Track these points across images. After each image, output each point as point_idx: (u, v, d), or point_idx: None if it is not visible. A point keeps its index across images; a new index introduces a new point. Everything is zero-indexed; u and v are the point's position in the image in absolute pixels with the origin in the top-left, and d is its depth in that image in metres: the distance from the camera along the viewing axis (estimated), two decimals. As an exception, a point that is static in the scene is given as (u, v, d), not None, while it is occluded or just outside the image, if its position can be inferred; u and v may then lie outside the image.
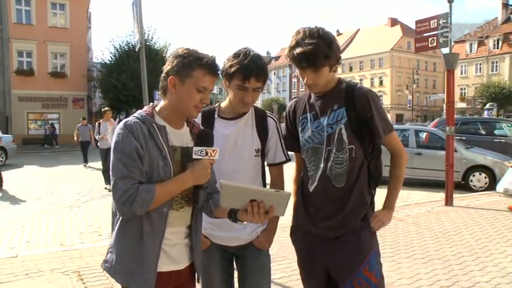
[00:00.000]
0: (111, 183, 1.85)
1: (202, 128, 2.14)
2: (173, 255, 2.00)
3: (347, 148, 2.29)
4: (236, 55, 2.33)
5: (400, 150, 2.42)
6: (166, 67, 1.98)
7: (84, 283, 4.54)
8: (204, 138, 1.98)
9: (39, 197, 10.63)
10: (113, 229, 2.00)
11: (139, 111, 1.99)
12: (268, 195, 1.87)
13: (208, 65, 1.94)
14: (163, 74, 1.99)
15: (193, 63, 1.93)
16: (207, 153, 1.90)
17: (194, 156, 1.90)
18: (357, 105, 2.29)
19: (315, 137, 2.37)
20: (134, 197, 1.78)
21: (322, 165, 2.34)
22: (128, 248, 1.91)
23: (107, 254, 2.01)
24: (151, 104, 2.06)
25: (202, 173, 1.91)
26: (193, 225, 2.07)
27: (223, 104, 2.53)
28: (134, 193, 1.78)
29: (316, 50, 2.17)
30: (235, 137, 2.43)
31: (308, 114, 2.42)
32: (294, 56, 2.25)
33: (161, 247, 1.94)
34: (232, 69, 2.29)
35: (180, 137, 2.03)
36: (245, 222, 2.07)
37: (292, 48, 2.26)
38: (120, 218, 1.91)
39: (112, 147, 1.88)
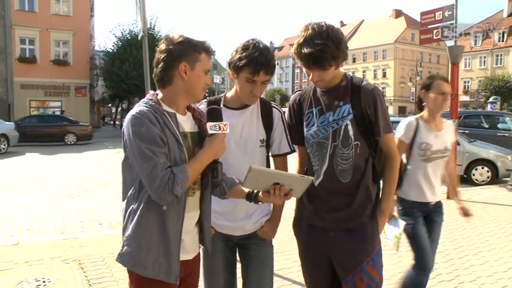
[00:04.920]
0: (142, 173, 1.80)
1: (211, 106, 2.13)
2: (186, 245, 2.02)
3: (353, 144, 2.28)
4: (245, 47, 2.31)
5: (395, 152, 2.41)
6: (166, 56, 1.93)
7: (84, 272, 4.55)
8: (214, 114, 2.02)
9: (40, 185, 10.64)
10: (127, 221, 1.94)
11: (145, 99, 1.96)
12: (292, 179, 1.97)
13: (210, 48, 2.01)
14: (162, 64, 1.94)
15: (198, 47, 1.96)
16: (220, 128, 1.96)
17: (210, 132, 1.96)
18: (363, 102, 2.27)
19: (320, 132, 2.35)
20: (173, 180, 1.78)
21: (327, 161, 2.33)
22: (151, 238, 1.88)
23: (123, 247, 1.94)
24: (152, 92, 2.03)
25: (219, 146, 1.96)
26: (203, 210, 2.10)
27: (229, 94, 2.53)
28: (171, 176, 1.78)
29: (325, 51, 2.14)
30: (240, 127, 2.43)
31: (314, 108, 2.40)
32: (301, 55, 2.21)
33: (181, 235, 1.95)
34: (242, 62, 2.28)
35: (187, 122, 2.05)
36: (253, 211, 2.45)
37: (300, 45, 2.21)
38: (140, 208, 1.88)
39: (130, 137, 1.83)
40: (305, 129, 2.43)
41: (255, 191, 2.05)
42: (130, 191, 1.92)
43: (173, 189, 1.78)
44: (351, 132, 2.28)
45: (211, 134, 1.96)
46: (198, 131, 2.08)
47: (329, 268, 2.43)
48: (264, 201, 2.05)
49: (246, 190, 2.08)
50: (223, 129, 1.97)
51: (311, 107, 2.42)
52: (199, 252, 2.18)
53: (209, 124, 1.96)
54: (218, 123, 1.97)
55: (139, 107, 1.90)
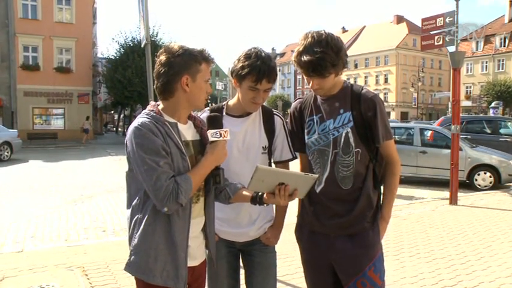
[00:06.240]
0: (147, 183, 1.82)
1: (211, 114, 2.20)
2: (193, 251, 2.05)
3: (353, 151, 2.31)
4: (247, 56, 2.35)
5: (395, 159, 2.42)
6: (167, 69, 1.95)
7: (88, 278, 4.57)
8: (214, 121, 2.09)
9: (44, 191, 10.68)
10: (133, 230, 1.96)
11: (146, 111, 1.99)
12: (297, 177, 1.99)
13: (209, 57, 2.03)
14: (163, 77, 1.96)
15: (198, 57, 1.98)
16: (221, 135, 2.00)
17: (211, 139, 1.99)
18: (363, 109, 2.30)
19: (321, 140, 2.38)
20: (177, 190, 1.81)
21: (328, 168, 2.35)
22: (158, 247, 1.91)
23: (130, 256, 1.97)
24: (153, 103, 2.05)
25: (221, 153, 2.00)
26: (206, 216, 2.13)
27: (231, 102, 2.57)
28: (175, 186, 1.82)
29: (324, 59, 2.17)
30: (243, 135, 2.47)
31: (314, 116, 2.43)
32: (300, 63, 2.25)
33: (188, 242, 1.98)
34: (244, 70, 2.32)
35: (188, 131, 2.08)
36: (256, 217, 2.49)
37: (299, 53, 2.25)
38: (145, 218, 1.91)
39: (133, 149, 1.86)
40: (306, 137, 2.45)
41: (260, 193, 2.07)
42: (135, 201, 1.96)
43: (178, 198, 1.81)
44: (351, 140, 2.30)
45: (213, 141, 2.00)
46: (200, 139, 2.12)
47: (331, 274, 2.44)
48: (269, 203, 2.07)
49: (250, 193, 2.11)
50: (224, 136, 2.01)
51: (312, 115, 2.44)
52: (205, 259, 2.20)
53: (210, 131, 2.00)
54: (219, 130, 2.00)
55: (141, 118, 1.93)
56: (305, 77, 2.34)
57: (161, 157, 1.84)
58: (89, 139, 31.55)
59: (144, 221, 1.91)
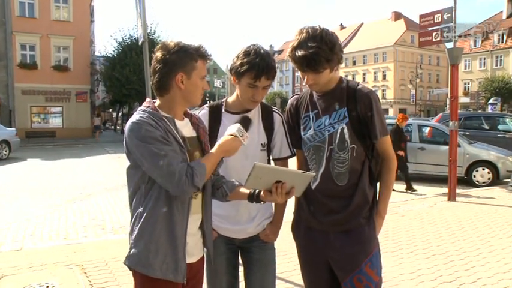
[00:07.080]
0: (159, 171, 1.82)
1: (245, 115, 2.24)
2: (190, 248, 2.05)
3: (349, 147, 2.31)
4: (246, 53, 2.35)
5: (391, 155, 2.43)
6: (162, 66, 1.96)
7: (87, 276, 4.57)
8: (247, 122, 2.13)
9: (43, 190, 10.66)
10: (134, 224, 1.97)
11: (142, 107, 1.99)
12: (294, 175, 2.02)
13: (205, 54, 2.03)
14: (158, 74, 1.97)
15: (194, 55, 1.98)
16: (243, 135, 2.02)
17: (234, 132, 2.01)
18: (358, 106, 2.30)
19: (316, 136, 2.38)
20: (191, 173, 1.82)
21: (324, 164, 2.35)
22: (158, 240, 1.92)
23: (131, 249, 1.97)
24: (149, 99, 2.06)
25: (234, 149, 2.01)
26: (204, 213, 2.13)
27: (230, 99, 2.58)
28: (189, 169, 1.83)
29: (318, 54, 2.17)
30: None
31: (310, 112, 2.43)
32: (295, 58, 2.25)
33: (186, 238, 1.98)
34: (243, 67, 2.33)
35: (185, 128, 2.08)
36: (255, 213, 2.50)
37: (294, 48, 2.25)
38: (146, 212, 1.92)
39: (135, 143, 1.85)
40: (302, 133, 2.46)
41: (257, 190, 2.08)
42: (136, 195, 1.97)
43: (193, 181, 1.82)
44: (346, 136, 2.30)
45: (231, 134, 2.01)
46: (197, 136, 2.12)
47: (328, 271, 2.44)
48: (266, 200, 2.08)
49: (248, 191, 2.11)
50: (243, 138, 2.02)
51: (308, 111, 2.44)
52: (203, 255, 2.21)
53: (237, 126, 2.02)
54: (244, 132, 2.03)
55: (137, 115, 1.93)
56: (300, 73, 2.34)
57: (166, 144, 1.85)
58: (93, 136, 32.17)
59: (145, 215, 1.92)
